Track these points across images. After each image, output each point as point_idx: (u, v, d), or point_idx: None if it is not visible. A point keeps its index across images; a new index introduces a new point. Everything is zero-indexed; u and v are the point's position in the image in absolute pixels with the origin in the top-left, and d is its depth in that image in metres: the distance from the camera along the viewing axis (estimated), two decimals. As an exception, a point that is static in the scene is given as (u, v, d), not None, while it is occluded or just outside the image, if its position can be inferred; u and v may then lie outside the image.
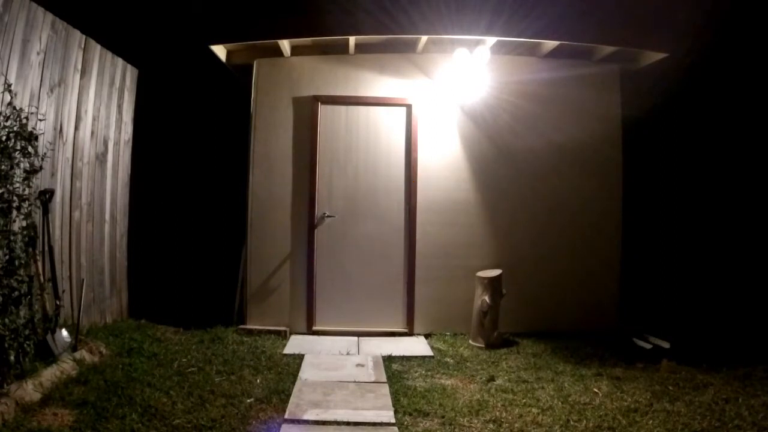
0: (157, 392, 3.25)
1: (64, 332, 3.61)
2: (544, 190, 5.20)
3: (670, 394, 3.43)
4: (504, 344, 4.68)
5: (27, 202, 3.17)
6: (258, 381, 3.61)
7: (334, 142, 5.15)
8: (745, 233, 5.21)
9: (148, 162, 5.48)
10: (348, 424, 2.99)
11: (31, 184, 3.26)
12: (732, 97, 5.31)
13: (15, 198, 3.06)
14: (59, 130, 3.96)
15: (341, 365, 4.06)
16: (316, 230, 5.09)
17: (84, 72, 4.26)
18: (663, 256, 5.49)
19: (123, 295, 5.10)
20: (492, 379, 3.77)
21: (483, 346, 4.64)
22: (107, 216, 4.79)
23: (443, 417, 3.08)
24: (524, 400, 3.34)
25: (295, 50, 5.17)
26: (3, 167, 2.97)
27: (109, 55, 4.68)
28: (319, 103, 5.12)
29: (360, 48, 5.14)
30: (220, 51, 5.03)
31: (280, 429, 2.91)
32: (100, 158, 4.63)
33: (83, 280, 4.18)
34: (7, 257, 2.99)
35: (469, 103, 5.16)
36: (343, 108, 5.16)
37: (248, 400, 3.23)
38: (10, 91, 3.13)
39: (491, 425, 2.99)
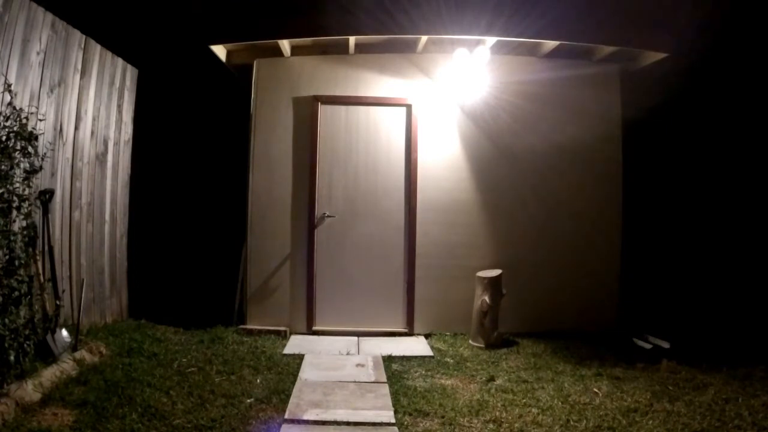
0: (157, 392, 3.25)
1: (64, 332, 3.61)
2: (544, 190, 5.20)
3: (670, 394, 3.43)
4: (504, 344, 4.68)
5: (27, 202, 3.17)
6: (258, 381, 3.61)
7: (334, 142, 5.15)
8: (745, 233, 5.21)
9: (148, 162, 5.48)
10: (348, 424, 2.99)
11: (31, 184, 3.26)
12: (732, 97, 5.31)
13: (15, 198, 3.05)
14: (59, 130, 3.96)
15: (341, 365, 4.06)
16: (316, 230, 5.10)
17: (84, 72, 4.26)
18: (663, 256, 5.49)
19: (123, 295, 5.10)
20: (492, 379, 3.77)
21: (483, 346, 4.64)
22: (107, 216, 4.79)
23: (443, 417, 3.08)
24: (524, 400, 3.34)
25: (295, 50, 5.17)
26: (3, 167, 2.97)
27: (109, 55, 4.68)
28: (319, 103, 5.12)
29: (360, 48, 5.14)
30: (220, 51, 5.03)
31: (280, 429, 2.91)
32: (100, 158, 4.63)
33: (83, 280, 4.18)
34: (7, 257, 2.98)
35: (469, 103, 5.16)
36: (343, 108, 5.16)
37: (248, 400, 3.23)
38: (10, 91, 3.13)
39: (491, 425, 2.99)
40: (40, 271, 3.48)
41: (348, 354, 4.40)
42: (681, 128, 5.54)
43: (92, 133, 4.45)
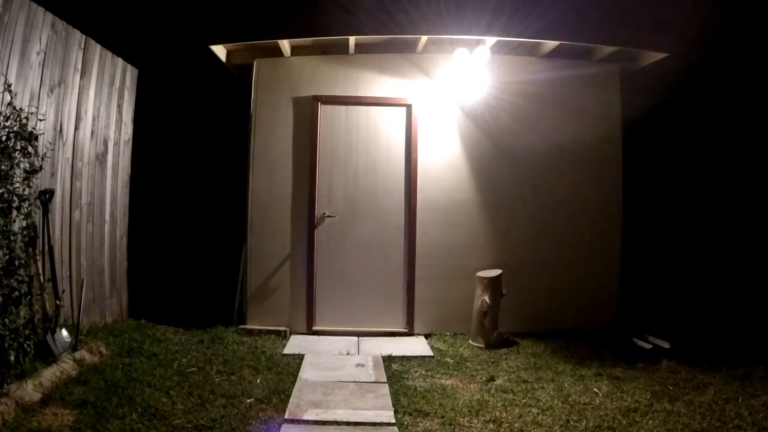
0: (157, 392, 3.25)
1: (64, 332, 3.61)
2: (544, 190, 5.20)
3: (670, 394, 3.43)
4: (504, 344, 4.68)
5: (27, 202, 3.17)
6: (258, 381, 3.61)
7: (334, 142, 5.15)
8: (745, 233, 5.21)
9: (148, 162, 5.48)
10: (348, 424, 2.99)
11: (31, 184, 3.26)
12: (732, 97, 5.31)
13: (15, 198, 3.05)
14: (59, 130, 3.96)
15: (341, 365, 4.06)
16: (316, 230, 5.09)
17: (84, 72, 4.26)
18: (663, 256, 5.49)
19: (123, 295, 5.10)
20: (492, 379, 3.77)
21: (483, 346, 4.64)
22: (107, 216, 4.79)
23: (443, 417, 3.08)
24: (524, 400, 3.34)
25: (295, 50, 5.17)
26: (3, 167, 2.97)
27: (109, 55, 4.68)
28: (319, 103, 5.12)
29: (360, 48, 5.14)
30: (220, 51, 5.03)
31: (280, 429, 2.91)
32: (100, 158, 4.63)
33: (83, 280, 4.18)
34: (7, 257, 2.98)
35: (469, 103, 5.16)
36: (343, 108, 5.16)
37: (248, 400, 3.23)
38: (10, 91, 3.13)
39: (491, 425, 2.99)
40: (40, 271, 3.48)
41: (348, 354, 4.40)
42: (681, 128, 5.54)
43: (92, 133, 4.45)
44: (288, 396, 3.35)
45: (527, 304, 5.10)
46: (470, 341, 4.77)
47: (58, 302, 3.64)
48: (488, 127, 5.18)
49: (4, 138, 3.02)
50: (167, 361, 3.88)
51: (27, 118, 3.17)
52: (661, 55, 4.95)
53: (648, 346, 4.60)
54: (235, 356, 4.13)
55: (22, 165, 3.16)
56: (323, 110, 5.14)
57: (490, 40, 4.82)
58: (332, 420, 3.02)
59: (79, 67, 4.19)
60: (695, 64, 5.07)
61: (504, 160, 5.19)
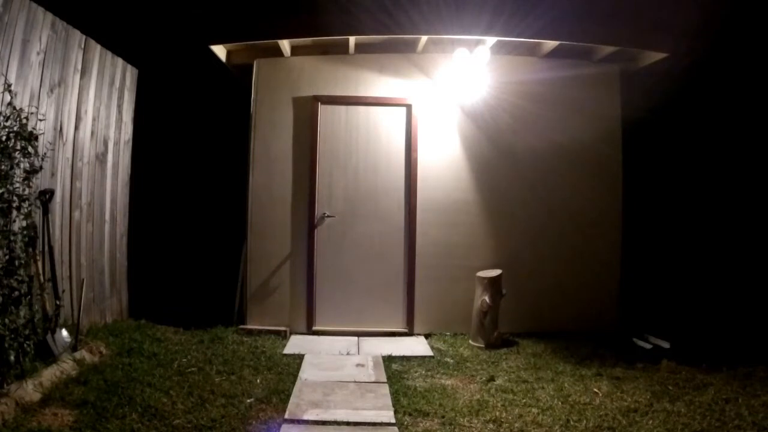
0: (157, 392, 3.25)
1: (64, 332, 3.61)
2: (544, 190, 5.20)
3: (670, 394, 3.43)
4: (504, 344, 4.68)
5: (27, 202, 3.17)
6: (258, 381, 3.61)
7: (334, 142, 5.15)
8: (745, 233, 5.21)
9: (148, 162, 5.48)
10: (348, 424, 2.99)
11: (31, 184, 3.26)
12: (732, 97, 5.31)
13: (15, 198, 3.05)
14: (59, 130, 3.95)
15: (341, 365, 4.06)
16: (316, 230, 5.10)
17: (84, 72, 4.26)
18: (663, 256, 5.49)
19: (123, 295, 5.10)
20: (492, 379, 3.77)
21: (483, 346, 4.64)
22: (107, 216, 4.78)
23: (443, 417, 3.08)
24: (524, 400, 3.34)
25: (295, 50, 5.17)
26: (3, 167, 2.97)
27: (109, 55, 4.68)
28: (319, 103, 5.12)
29: (360, 48, 5.14)
30: (220, 51, 5.03)
31: (280, 429, 2.91)
32: (100, 158, 4.63)
33: (83, 280, 4.18)
34: (7, 257, 2.98)
35: (469, 103, 5.17)
36: (343, 108, 5.16)
37: (248, 400, 3.23)
38: (10, 91, 3.12)
39: (491, 425, 2.99)
40: (40, 271, 3.47)
41: (348, 354, 4.40)
42: (681, 128, 5.54)
43: (92, 133, 4.45)
44: (288, 396, 3.35)
45: (527, 304, 5.10)
46: (470, 341, 4.77)
47: (58, 302, 3.63)
48: (488, 127, 5.18)
49: (4, 138, 3.02)
50: (167, 361, 3.88)
51: (27, 118, 3.17)
52: (661, 55, 4.95)
53: (648, 346, 4.60)
54: (235, 356, 4.13)
55: (22, 165, 3.15)
56: (323, 110, 5.14)
57: (490, 40, 4.83)
58: (332, 420, 3.02)
59: (79, 67, 4.19)
60: (695, 64, 5.07)
61: (504, 160, 5.19)
